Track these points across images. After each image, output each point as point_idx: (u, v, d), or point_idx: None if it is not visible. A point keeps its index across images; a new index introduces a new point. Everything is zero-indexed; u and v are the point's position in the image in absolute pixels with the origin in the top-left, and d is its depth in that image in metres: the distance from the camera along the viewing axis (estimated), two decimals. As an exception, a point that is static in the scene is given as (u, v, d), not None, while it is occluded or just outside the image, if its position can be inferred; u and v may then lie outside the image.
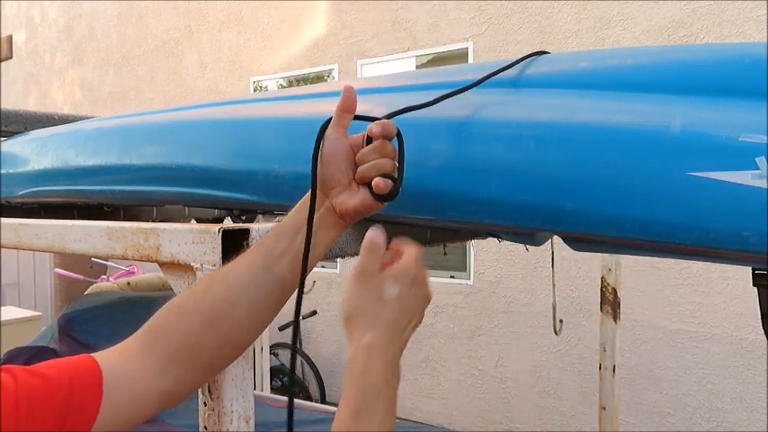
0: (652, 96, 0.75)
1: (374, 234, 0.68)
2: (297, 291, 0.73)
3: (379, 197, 0.70)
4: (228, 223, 1.43)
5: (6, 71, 8.26)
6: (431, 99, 0.84)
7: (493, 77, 0.89)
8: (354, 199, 0.71)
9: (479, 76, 0.88)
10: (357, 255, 0.82)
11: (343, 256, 0.92)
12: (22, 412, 0.54)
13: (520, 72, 0.92)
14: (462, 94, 0.87)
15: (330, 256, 0.88)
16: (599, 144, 0.72)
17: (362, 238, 0.76)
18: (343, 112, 0.72)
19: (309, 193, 0.73)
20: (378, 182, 0.69)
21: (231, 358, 0.74)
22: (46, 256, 5.29)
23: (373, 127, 0.70)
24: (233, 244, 0.78)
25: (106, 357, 0.65)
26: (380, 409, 0.58)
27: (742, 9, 3.10)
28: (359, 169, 0.71)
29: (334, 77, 4.79)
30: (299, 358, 4.64)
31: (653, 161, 0.68)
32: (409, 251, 0.67)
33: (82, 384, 0.60)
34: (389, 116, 0.76)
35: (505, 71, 0.90)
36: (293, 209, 0.75)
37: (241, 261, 0.72)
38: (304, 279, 0.72)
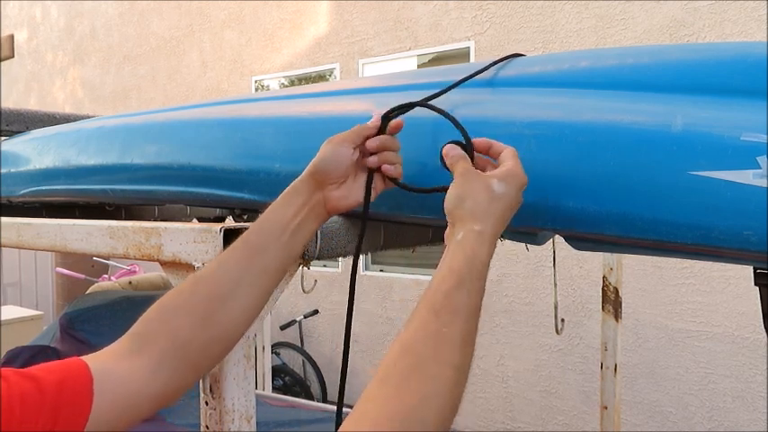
0: (654, 96, 0.75)
1: (452, 146, 0.75)
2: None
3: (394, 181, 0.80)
4: (230, 222, 1.43)
5: (8, 70, 8.27)
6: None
7: (495, 76, 0.89)
8: (356, 194, 0.79)
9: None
10: (356, 255, 0.82)
11: (344, 255, 0.92)
12: (15, 415, 0.55)
13: (519, 71, 0.91)
14: (461, 93, 0.87)
15: (331, 256, 0.88)
16: (601, 143, 0.72)
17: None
18: (361, 136, 0.79)
19: (295, 184, 0.78)
20: (394, 169, 0.79)
21: (221, 355, 0.75)
22: (47, 255, 5.30)
23: (400, 124, 0.80)
24: (234, 243, 0.78)
25: (96, 359, 0.65)
26: (482, 286, 0.64)
27: (743, 8, 3.10)
28: (384, 154, 0.79)
29: (335, 77, 4.79)
30: (300, 357, 4.64)
31: (655, 160, 0.68)
32: (514, 158, 0.72)
33: (72, 383, 0.60)
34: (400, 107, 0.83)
35: (504, 70, 0.90)
36: (277, 202, 0.77)
37: (227, 258, 0.73)
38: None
